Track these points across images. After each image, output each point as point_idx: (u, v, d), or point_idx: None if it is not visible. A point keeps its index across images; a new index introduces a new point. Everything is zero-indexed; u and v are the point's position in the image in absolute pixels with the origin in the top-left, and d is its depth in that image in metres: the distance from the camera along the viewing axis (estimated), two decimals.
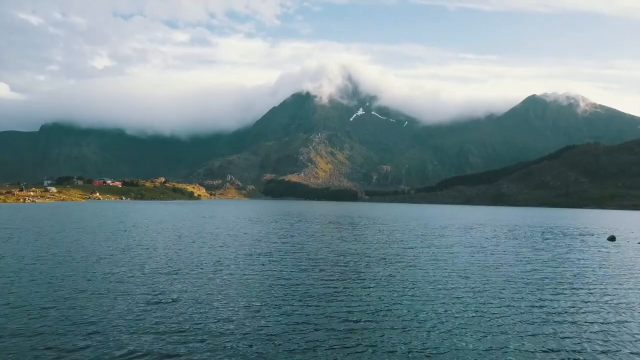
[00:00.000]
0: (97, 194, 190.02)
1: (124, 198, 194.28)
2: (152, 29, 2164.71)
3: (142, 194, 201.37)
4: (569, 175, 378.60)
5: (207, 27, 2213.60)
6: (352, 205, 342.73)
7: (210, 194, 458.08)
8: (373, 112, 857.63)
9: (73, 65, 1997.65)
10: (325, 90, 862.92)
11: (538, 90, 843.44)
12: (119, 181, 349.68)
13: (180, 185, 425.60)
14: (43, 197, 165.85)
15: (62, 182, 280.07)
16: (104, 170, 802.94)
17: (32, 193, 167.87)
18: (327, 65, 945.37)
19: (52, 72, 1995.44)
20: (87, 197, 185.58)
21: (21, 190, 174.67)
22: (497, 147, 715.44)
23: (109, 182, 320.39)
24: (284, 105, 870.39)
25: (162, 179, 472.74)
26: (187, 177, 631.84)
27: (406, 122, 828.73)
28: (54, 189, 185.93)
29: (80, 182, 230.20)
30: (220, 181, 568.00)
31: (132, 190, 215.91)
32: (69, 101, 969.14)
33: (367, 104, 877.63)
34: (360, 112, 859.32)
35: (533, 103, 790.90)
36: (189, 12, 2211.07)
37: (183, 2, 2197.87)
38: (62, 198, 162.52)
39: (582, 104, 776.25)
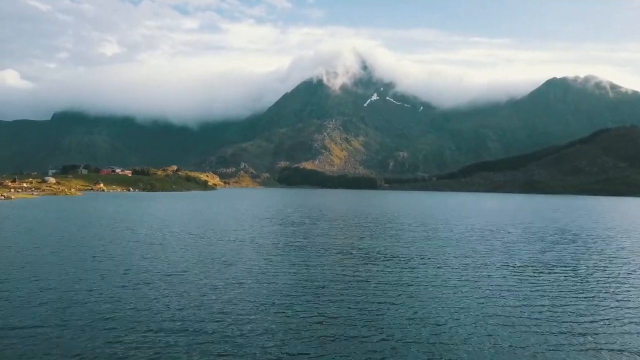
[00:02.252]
0: (101, 185, 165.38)
1: (131, 189, 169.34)
2: (161, 15, 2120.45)
3: (152, 185, 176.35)
4: (606, 160, 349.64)
5: (216, 12, 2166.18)
6: (372, 194, 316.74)
7: (225, 183, 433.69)
8: (388, 98, 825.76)
9: (82, 53, 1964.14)
10: (338, 75, 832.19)
11: (554, 74, 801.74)
12: (129, 169, 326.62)
13: (193, 174, 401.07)
14: (38, 188, 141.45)
15: (67, 171, 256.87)
16: (115, 160, 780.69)
17: (25, 184, 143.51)
18: (340, 50, 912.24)
19: (61, 60, 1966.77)
20: (90, 188, 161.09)
21: (14, 180, 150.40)
22: (516, 132, 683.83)
23: (118, 170, 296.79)
24: (296, 91, 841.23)
25: (174, 167, 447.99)
26: (200, 165, 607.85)
27: (421, 107, 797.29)
28: (52, 180, 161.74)
29: (85, 172, 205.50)
30: (233, 169, 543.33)
31: (142, 180, 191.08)
32: (80, 89, 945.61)
33: (382, 89, 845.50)
34: (375, 97, 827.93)
35: (553, 86, 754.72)
36: None
37: None
38: (57, 191, 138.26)
39: (605, 87, 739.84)
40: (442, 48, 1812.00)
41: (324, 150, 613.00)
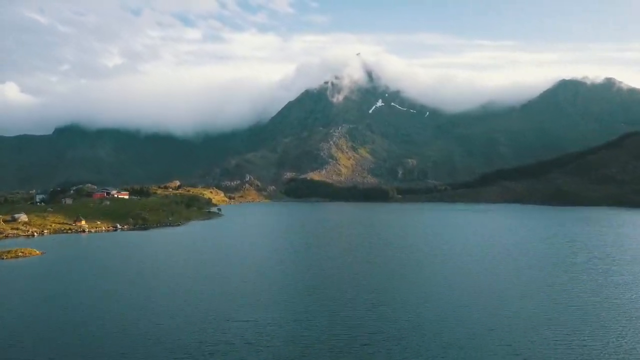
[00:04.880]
0: (83, 222, 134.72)
1: (118, 227, 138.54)
2: (163, 25, 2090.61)
3: (143, 219, 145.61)
4: (638, 167, 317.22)
5: (218, 19, 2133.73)
6: (389, 210, 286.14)
7: (230, 198, 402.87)
8: (393, 104, 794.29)
9: (84, 64, 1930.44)
10: (343, 82, 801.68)
11: (561, 74, 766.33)
12: (125, 190, 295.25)
13: (196, 191, 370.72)
14: (1, 233, 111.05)
15: (55, 196, 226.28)
16: (119, 172, 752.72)
17: None
18: (343, 56, 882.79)
19: (63, 72, 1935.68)
20: (68, 228, 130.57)
21: None
22: (526, 136, 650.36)
23: (113, 192, 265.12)
24: (300, 99, 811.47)
25: (177, 183, 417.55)
26: (204, 178, 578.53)
27: (427, 113, 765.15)
28: (23, 217, 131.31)
29: (69, 201, 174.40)
30: (238, 182, 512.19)
31: (133, 211, 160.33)
32: (81, 102, 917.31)
33: (387, 95, 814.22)
34: (380, 103, 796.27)
35: (563, 88, 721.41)
36: (200, 3, 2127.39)
37: None
38: (22, 235, 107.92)
39: (616, 88, 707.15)
40: (447, 51, 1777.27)
41: (330, 160, 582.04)
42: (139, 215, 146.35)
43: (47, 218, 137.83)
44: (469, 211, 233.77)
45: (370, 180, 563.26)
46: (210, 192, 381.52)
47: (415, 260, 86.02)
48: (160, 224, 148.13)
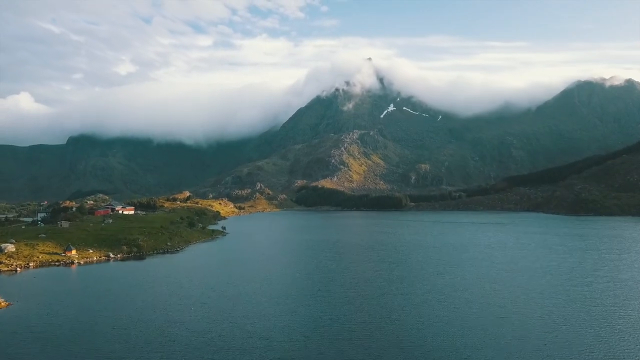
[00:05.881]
0: (73, 252, 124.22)
1: (111, 256, 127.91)
2: (174, 32, 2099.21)
3: (139, 247, 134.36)
4: None
5: (228, 25, 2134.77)
6: (403, 220, 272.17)
7: (239, 209, 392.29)
8: (404, 108, 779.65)
9: (97, 72, 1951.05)
10: (353, 87, 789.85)
11: (574, 74, 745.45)
12: (131, 205, 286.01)
13: (205, 203, 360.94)
14: None
15: (57, 214, 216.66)
16: (131, 181, 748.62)
17: None
18: (354, 61, 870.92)
19: (76, 81, 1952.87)
20: (56, 260, 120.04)
21: None
22: (540, 139, 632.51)
23: (118, 208, 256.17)
24: (311, 105, 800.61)
25: (187, 194, 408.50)
26: (215, 187, 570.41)
27: (440, 117, 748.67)
28: (11, 248, 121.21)
29: (65, 225, 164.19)
30: (249, 190, 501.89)
31: (133, 231, 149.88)
32: (94, 112, 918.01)
33: (398, 99, 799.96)
34: (392, 108, 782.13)
35: (577, 89, 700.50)
36: (210, 10, 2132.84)
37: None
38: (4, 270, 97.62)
39: (633, 88, 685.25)
40: (458, 53, 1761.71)
41: (342, 166, 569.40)
42: (134, 242, 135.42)
43: (37, 247, 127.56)
44: (489, 225, 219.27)
45: (383, 186, 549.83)
46: (219, 203, 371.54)
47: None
48: (157, 250, 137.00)
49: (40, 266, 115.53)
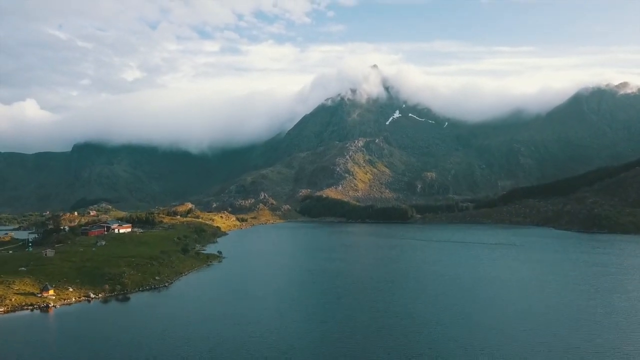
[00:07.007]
0: (50, 291, 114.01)
1: (92, 296, 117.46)
2: (181, 38, 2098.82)
3: (123, 284, 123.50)
4: None
5: (235, 30, 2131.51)
6: (408, 237, 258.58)
7: (241, 221, 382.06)
8: (410, 115, 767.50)
9: (104, 78, 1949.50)
10: (358, 96, 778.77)
11: (583, 78, 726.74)
12: (128, 223, 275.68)
13: (206, 216, 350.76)
14: None
15: (48, 235, 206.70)
16: (135, 189, 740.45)
17: None
18: (360, 68, 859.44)
19: (83, 87, 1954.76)
20: (30, 303, 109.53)
21: None
22: (548, 146, 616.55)
23: (114, 226, 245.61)
24: (316, 112, 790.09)
25: (189, 206, 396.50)
26: (218, 196, 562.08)
27: (446, 123, 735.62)
28: None
29: (50, 254, 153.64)
30: (252, 200, 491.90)
31: (120, 262, 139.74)
32: (101, 118, 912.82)
33: (404, 106, 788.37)
34: (397, 114, 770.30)
35: (586, 95, 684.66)
36: (216, 15, 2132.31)
37: (209, 5, 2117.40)
38: None
39: None
40: (465, 58, 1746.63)
41: (347, 175, 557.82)
42: (118, 279, 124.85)
43: (12, 286, 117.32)
44: (501, 249, 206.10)
45: (388, 195, 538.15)
46: (221, 216, 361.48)
47: None
48: (142, 286, 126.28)
49: (11, 311, 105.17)
